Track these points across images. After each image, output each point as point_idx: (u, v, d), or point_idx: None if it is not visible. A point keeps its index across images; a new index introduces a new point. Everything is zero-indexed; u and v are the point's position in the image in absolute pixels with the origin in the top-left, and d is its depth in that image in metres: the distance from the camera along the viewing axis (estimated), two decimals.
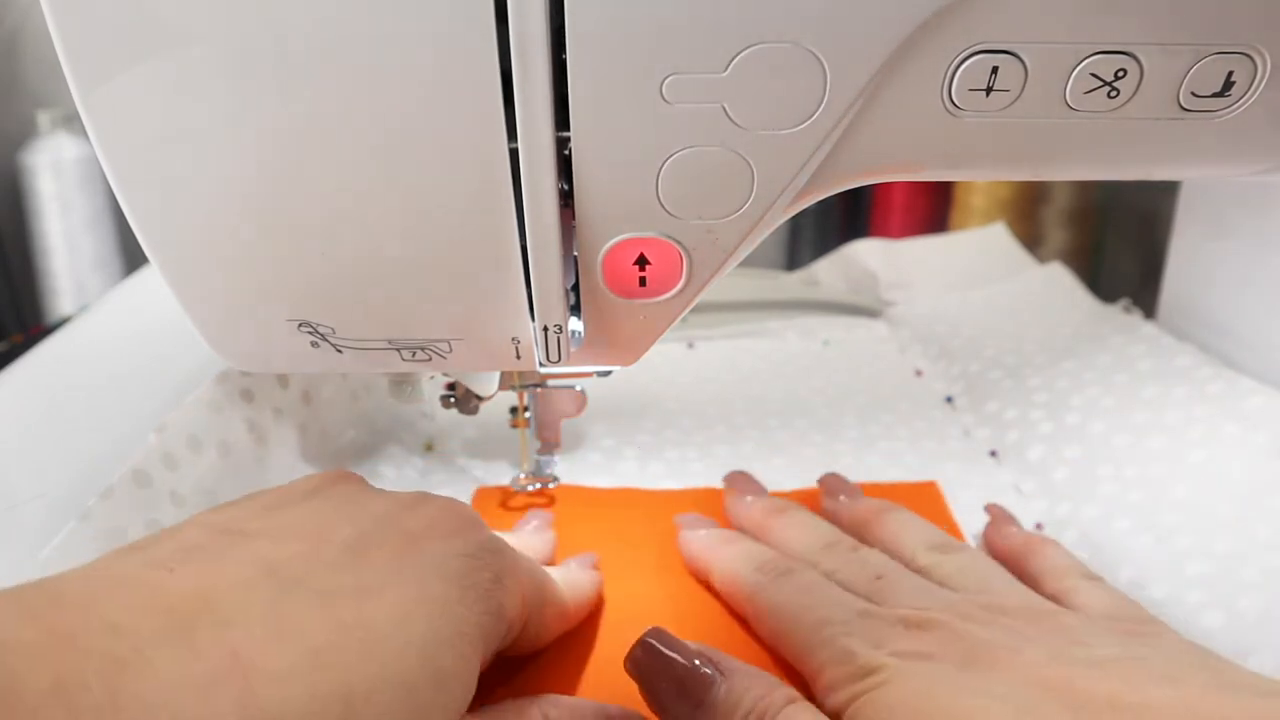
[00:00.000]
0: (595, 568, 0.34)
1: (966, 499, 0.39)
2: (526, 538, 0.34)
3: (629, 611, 0.33)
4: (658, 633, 0.26)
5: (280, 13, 0.20)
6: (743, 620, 0.32)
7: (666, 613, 0.33)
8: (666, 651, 0.25)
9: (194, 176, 0.22)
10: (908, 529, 0.33)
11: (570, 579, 0.30)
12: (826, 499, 0.37)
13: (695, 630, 0.31)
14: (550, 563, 0.34)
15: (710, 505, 0.39)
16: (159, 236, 0.24)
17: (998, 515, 0.36)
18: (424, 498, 0.25)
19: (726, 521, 0.37)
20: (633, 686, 0.26)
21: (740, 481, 0.38)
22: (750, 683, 0.25)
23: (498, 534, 0.26)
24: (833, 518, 0.35)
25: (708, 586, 0.33)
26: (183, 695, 0.15)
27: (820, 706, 0.25)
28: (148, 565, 0.19)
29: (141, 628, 0.16)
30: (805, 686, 0.27)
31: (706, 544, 0.34)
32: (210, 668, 0.16)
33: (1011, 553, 0.33)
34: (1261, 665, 0.28)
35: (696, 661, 0.25)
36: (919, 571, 0.31)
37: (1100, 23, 0.21)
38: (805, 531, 0.33)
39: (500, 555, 0.24)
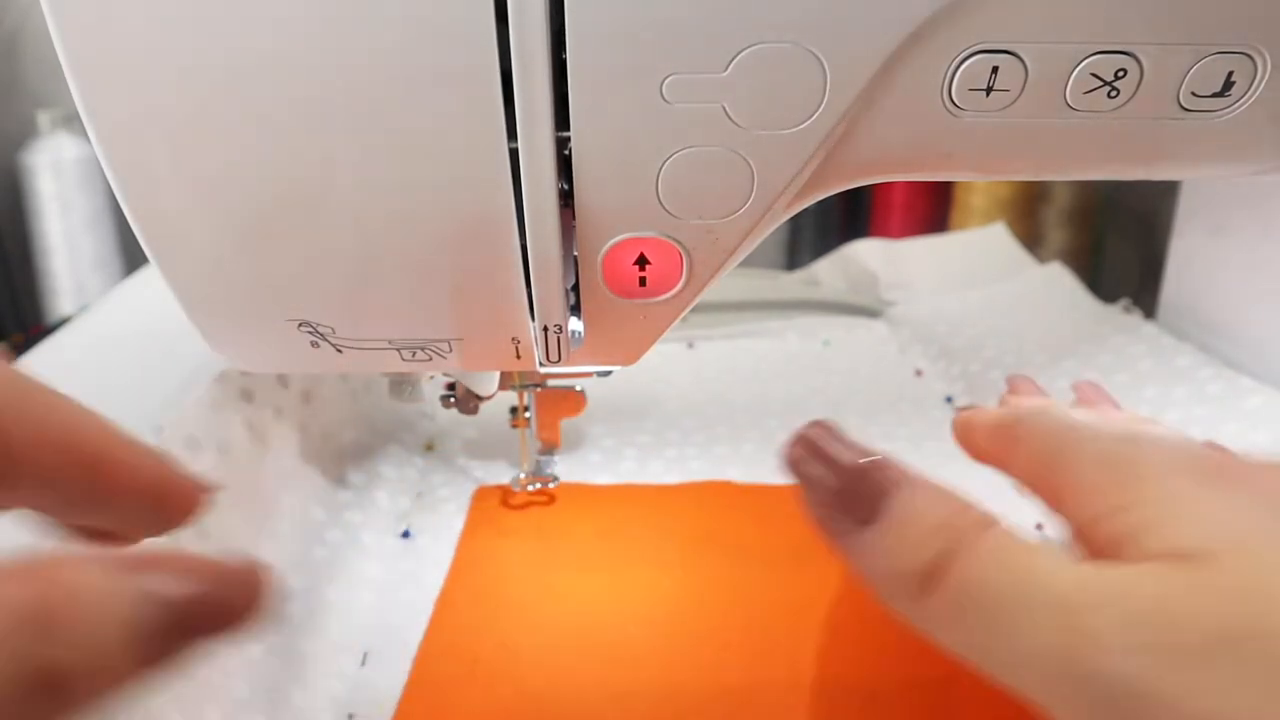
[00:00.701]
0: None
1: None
2: None
3: (629, 607, 0.33)
4: (821, 426, 0.21)
5: (280, 13, 0.20)
6: (748, 607, 0.32)
7: (667, 608, 0.33)
8: (833, 446, 0.21)
9: (194, 177, 0.22)
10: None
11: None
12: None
13: (696, 625, 0.32)
14: None
15: (711, 500, 0.39)
16: (159, 236, 0.24)
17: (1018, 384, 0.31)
18: None
19: (723, 516, 0.37)
20: (630, 678, 0.26)
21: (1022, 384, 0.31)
22: (937, 497, 0.20)
23: None
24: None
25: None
26: None
27: (1075, 517, 0.20)
28: None
29: None
30: None
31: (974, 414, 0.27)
32: None
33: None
34: None
35: (872, 462, 0.20)
36: None
37: (1100, 23, 0.21)
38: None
39: None
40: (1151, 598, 0.16)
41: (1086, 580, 0.17)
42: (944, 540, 0.19)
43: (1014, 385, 0.31)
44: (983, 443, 0.25)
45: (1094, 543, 0.19)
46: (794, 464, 0.21)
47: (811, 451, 0.21)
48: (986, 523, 0.19)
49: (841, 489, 0.20)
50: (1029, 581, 0.18)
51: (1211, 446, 0.22)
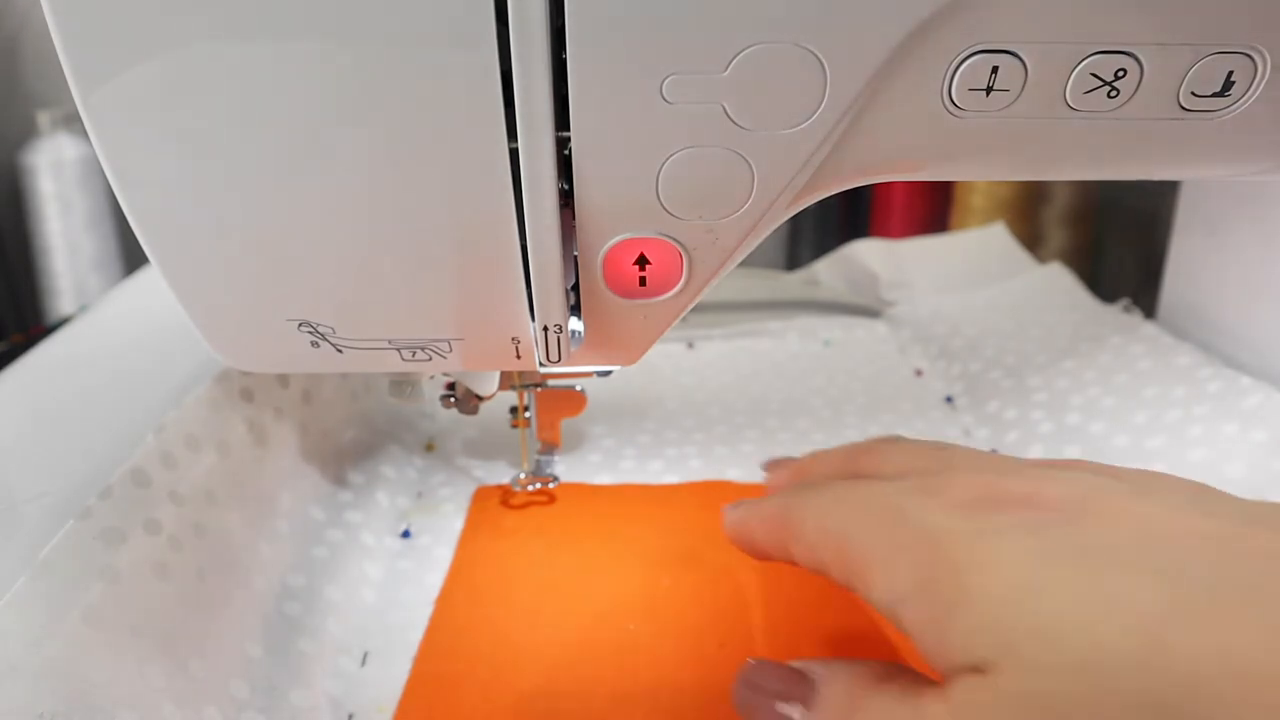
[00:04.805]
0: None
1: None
2: None
3: (629, 606, 0.33)
4: (752, 666, 0.23)
5: (280, 13, 0.20)
6: (747, 606, 0.32)
7: (666, 606, 0.33)
8: (761, 678, 0.23)
9: (194, 176, 0.22)
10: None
11: None
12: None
13: (696, 623, 0.32)
14: None
15: (710, 499, 0.39)
16: (159, 236, 0.24)
17: None
18: None
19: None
20: (630, 677, 0.26)
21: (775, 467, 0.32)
22: (841, 678, 0.21)
23: None
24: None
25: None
26: None
27: (876, 600, 0.21)
28: None
29: None
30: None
31: (739, 511, 0.27)
32: None
33: None
34: None
35: (794, 672, 0.22)
36: None
37: (1100, 23, 0.21)
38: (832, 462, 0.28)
39: None
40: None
41: None
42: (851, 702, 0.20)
43: (769, 467, 0.31)
44: (761, 542, 0.25)
45: (901, 624, 0.19)
46: (739, 705, 0.23)
47: (750, 689, 0.23)
48: (874, 680, 0.20)
49: (778, 698, 0.22)
50: None
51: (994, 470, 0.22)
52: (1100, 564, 0.17)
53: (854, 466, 0.27)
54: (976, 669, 0.17)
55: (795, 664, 0.23)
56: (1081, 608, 0.16)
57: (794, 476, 0.29)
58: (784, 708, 0.22)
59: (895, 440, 0.27)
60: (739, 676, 0.23)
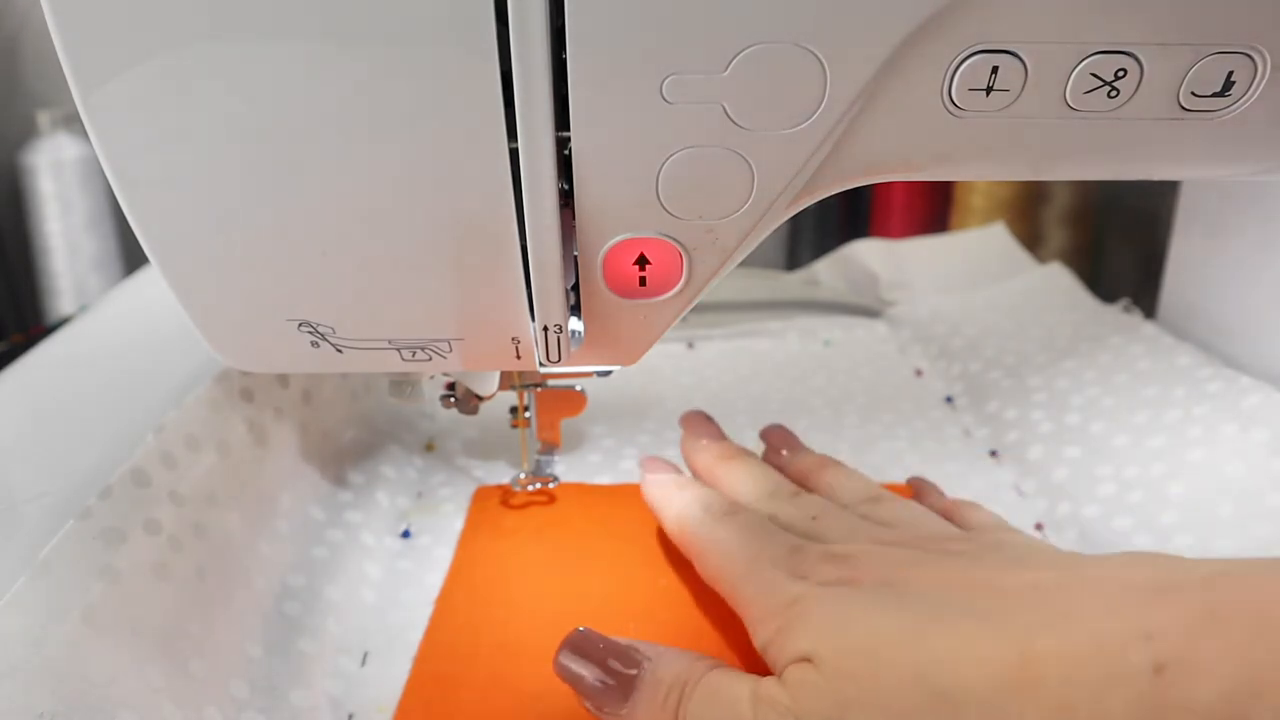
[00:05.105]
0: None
1: (966, 499, 0.39)
2: None
3: (628, 607, 0.33)
4: (581, 633, 0.27)
5: (280, 13, 0.20)
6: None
7: (666, 607, 0.33)
8: (589, 647, 0.27)
9: (194, 177, 0.22)
10: (846, 480, 0.34)
11: None
12: (770, 453, 0.37)
13: (695, 624, 0.32)
14: None
15: None
16: (159, 236, 0.24)
17: (920, 486, 0.36)
18: None
19: None
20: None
21: (696, 424, 0.38)
22: (673, 659, 0.26)
23: None
24: (779, 469, 0.36)
25: (661, 531, 0.34)
26: None
27: (754, 641, 0.27)
28: None
29: None
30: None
31: (663, 488, 0.34)
32: None
33: (937, 512, 0.33)
34: None
35: (617, 656, 0.26)
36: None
37: (1100, 23, 0.21)
38: (750, 477, 0.34)
39: None
40: (787, 698, 0.24)
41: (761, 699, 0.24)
42: (678, 692, 0.25)
43: (770, 439, 0.38)
44: (667, 529, 0.33)
45: (765, 657, 0.26)
46: (561, 671, 0.27)
47: (575, 656, 0.27)
48: (709, 666, 0.25)
49: (602, 681, 0.26)
50: (730, 709, 0.24)
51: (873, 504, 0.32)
52: (886, 605, 0.25)
53: (792, 480, 0.34)
54: (803, 659, 0.24)
55: (624, 640, 0.26)
56: (869, 623, 0.24)
57: (718, 461, 0.35)
58: (602, 675, 0.26)
59: (841, 476, 0.34)
60: (566, 640, 0.27)
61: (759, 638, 0.26)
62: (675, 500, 0.33)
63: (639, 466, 0.37)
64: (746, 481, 0.34)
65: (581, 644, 0.27)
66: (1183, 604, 0.21)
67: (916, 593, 0.25)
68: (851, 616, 0.24)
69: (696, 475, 0.36)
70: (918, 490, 0.36)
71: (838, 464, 0.35)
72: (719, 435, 0.38)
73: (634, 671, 0.26)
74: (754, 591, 0.27)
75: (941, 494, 0.36)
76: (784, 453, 0.37)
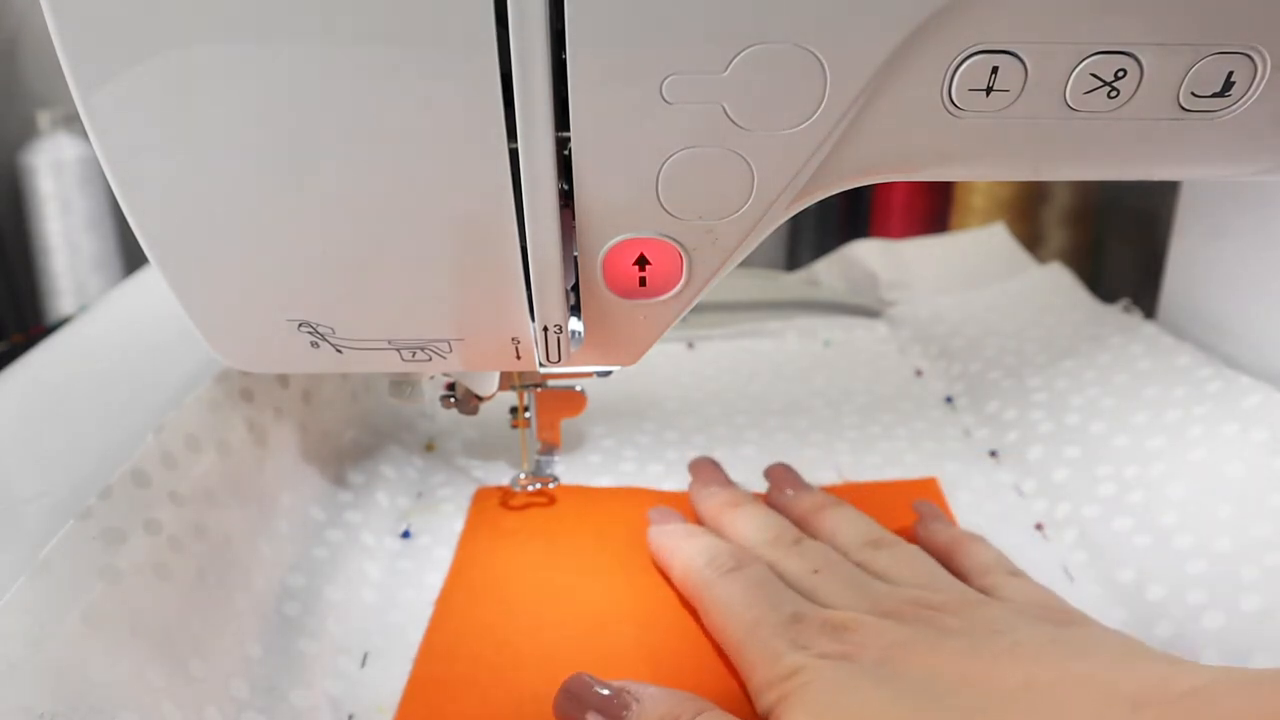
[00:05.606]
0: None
1: (966, 499, 0.39)
2: None
3: (628, 608, 0.33)
4: (576, 677, 0.27)
5: (280, 14, 0.20)
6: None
7: (666, 608, 0.33)
8: (583, 691, 0.27)
9: (194, 177, 0.22)
10: (846, 524, 0.34)
11: None
12: (774, 491, 0.38)
13: (695, 625, 0.32)
14: None
15: None
16: (159, 236, 0.24)
17: (925, 513, 0.36)
18: None
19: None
20: (629, 678, 0.26)
21: (704, 471, 0.39)
22: (661, 701, 0.26)
23: None
24: (782, 510, 0.36)
25: (669, 582, 0.34)
26: None
27: (756, 704, 0.27)
28: None
29: None
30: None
31: (669, 538, 0.35)
32: None
33: (938, 549, 0.34)
34: (1262, 665, 0.28)
35: (609, 693, 0.27)
36: (856, 565, 0.32)
37: (1100, 23, 0.21)
38: (753, 525, 0.35)
39: None
40: None
41: None
42: None
43: (695, 469, 0.39)
44: (673, 578, 0.34)
45: (759, 707, 0.27)
46: (559, 713, 0.27)
47: (570, 698, 0.27)
48: (699, 710, 0.25)
49: (597, 713, 0.26)
50: None
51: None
52: (882, 688, 0.25)
53: (796, 526, 0.35)
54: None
55: (618, 683, 0.27)
56: (865, 708, 0.25)
57: (724, 508, 0.36)
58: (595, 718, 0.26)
59: (841, 518, 0.35)
60: (563, 685, 0.27)
61: (760, 704, 0.27)
62: (681, 550, 0.33)
63: (648, 518, 0.37)
64: (750, 529, 0.34)
65: (575, 688, 0.27)
66: None
67: (913, 677, 0.26)
68: (849, 698, 0.25)
69: (703, 521, 0.37)
70: (921, 518, 0.36)
71: (839, 504, 0.36)
72: (726, 482, 0.38)
73: (625, 702, 0.26)
74: (756, 657, 0.28)
75: (946, 523, 0.36)
76: (788, 492, 0.37)
